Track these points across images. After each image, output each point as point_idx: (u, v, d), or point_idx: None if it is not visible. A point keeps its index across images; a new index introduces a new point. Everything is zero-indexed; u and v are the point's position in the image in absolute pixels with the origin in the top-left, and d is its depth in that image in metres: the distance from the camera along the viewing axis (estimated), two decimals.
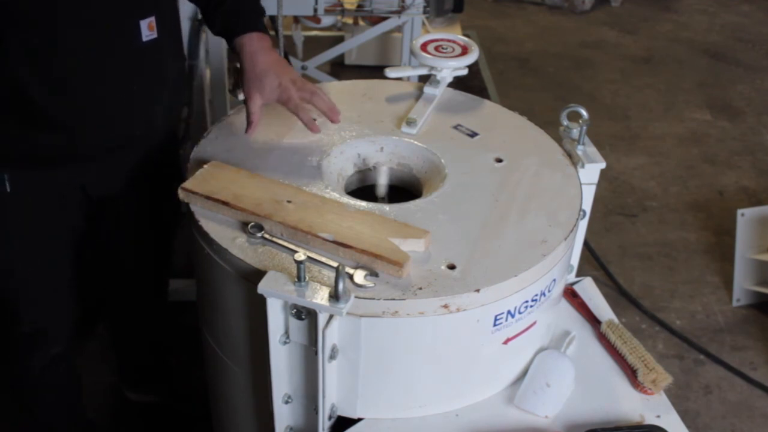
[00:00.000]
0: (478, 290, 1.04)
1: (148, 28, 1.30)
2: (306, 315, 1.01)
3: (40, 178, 1.36)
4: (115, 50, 1.28)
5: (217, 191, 1.15)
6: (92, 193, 1.45)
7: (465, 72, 1.50)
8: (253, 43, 1.32)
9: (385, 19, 2.53)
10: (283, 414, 1.13)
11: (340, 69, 3.57)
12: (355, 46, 3.14)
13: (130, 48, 1.30)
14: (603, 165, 1.30)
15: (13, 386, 1.68)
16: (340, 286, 0.96)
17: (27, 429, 1.83)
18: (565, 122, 1.35)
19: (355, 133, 1.36)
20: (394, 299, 1.02)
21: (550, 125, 1.41)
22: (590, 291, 1.41)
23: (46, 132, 1.29)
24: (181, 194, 1.17)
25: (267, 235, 1.11)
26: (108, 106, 1.31)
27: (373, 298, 1.02)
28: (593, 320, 1.35)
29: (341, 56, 3.45)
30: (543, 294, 1.14)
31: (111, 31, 1.27)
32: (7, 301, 1.50)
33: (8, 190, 1.34)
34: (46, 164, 1.35)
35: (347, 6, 2.44)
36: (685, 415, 1.91)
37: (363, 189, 1.37)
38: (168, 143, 1.53)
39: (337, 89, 1.52)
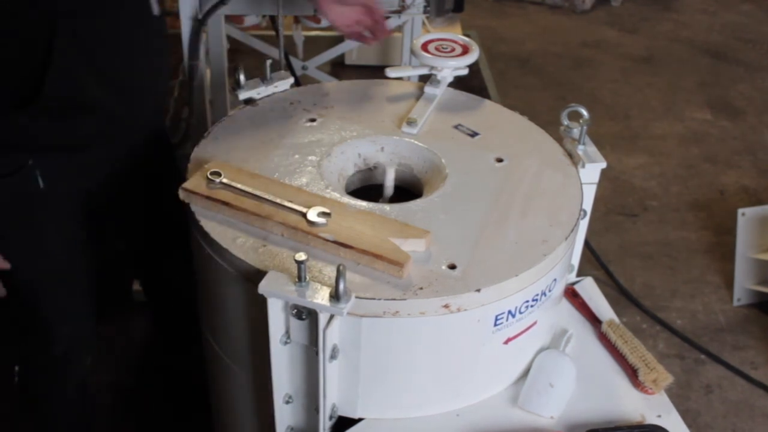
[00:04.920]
0: (478, 290, 1.04)
1: (156, 3, 1.35)
2: (307, 315, 1.01)
3: (70, 167, 1.34)
4: (137, 25, 1.33)
5: (218, 191, 1.15)
6: (115, 170, 1.43)
7: (465, 72, 1.50)
8: None
9: (385, 18, 2.52)
10: (284, 414, 1.13)
11: (340, 69, 3.57)
12: (355, 45, 3.13)
13: (147, 23, 1.35)
14: (604, 165, 1.30)
15: (42, 406, 1.64)
16: (341, 286, 0.96)
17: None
18: (566, 122, 1.35)
19: (355, 133, 1.36)
20: (394, 299, 1.02)
21: (550, 125, 1.41)
22: (591, 291, 1.41)
23: (87, 114, 1.29)
24: (182, 194, 1.17)
25: (226, 180, 1.15)
26: (139, 84, 1.36)
27: (374, 298, 1.02)
28: (594, 320, 1.35)
29: (342, 56, 3.44)
30: (544, 294, 1.14)
31: (135, 7, 1.32)
32: (39, 321, 1.47)
33: (41, 186, 1.32)
34: (82, 146, 1.34)
35: None
36: (685, 415, 1.91)
37: (364, 189, 1.37)
38: (160, 112, 1.59)
39: (337, 89, 1.52)
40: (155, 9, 1.34)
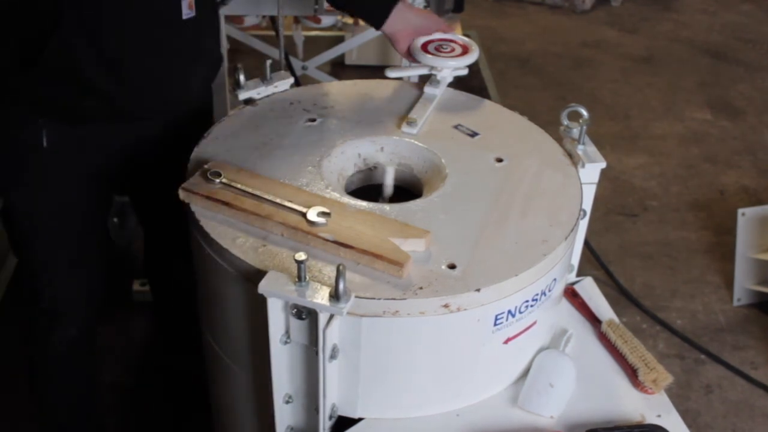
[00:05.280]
0: (478, 290, 1.04)
1: (188, 7, 1.34)
2: (307, 315, 1.01)
3: (76, 135, 1.39)
4: (158, 25, 1.33)
5: (218, 191, 1.15)
6: (124, 153, 1.48)
7: (465, 72, 1.50)
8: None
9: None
10: (284, 414, 1.13)
11: (340, 69, 3.57)
12: (355, 46, 3.14)
13: (171, 24, 1.34)
14: (603, 164, 1.30)
15: (32, 368, 1.70)
16: (341, 285, 0.96)
17: (40, 414, 1.85)
18: (566, 122, 1.35)
19: (355, 133, 1.36)
20: (394, 299, 1.02)
21: (550, 125, 1.41)
22: (591, 291, 1.41)
23: (92, 96, 1.33)
24: (182, 194, 1.17)
25: (225, 180, 1.15)
26: (148, 79, 1.36)
27: (374, 298, 1.02)
28: (594, 320, 1.35)
29: (342, 56, 3.44)
30: (543, 293, 1.14)
31: (155, 7, 1.31)
32: (33, 269, 1.53)
33: (45, 145, 1.38)
34: (84, 122, 1.38)
35: None
36: (685, 415, 1.91)
37: (364, 189, 1.37)
38: (201, 112, 1.58)
39: (337, 89, 1.52)
40: (185, 12, 1.34)
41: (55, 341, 1.61)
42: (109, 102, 1.34)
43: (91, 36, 1.26)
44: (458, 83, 1.52)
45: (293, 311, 1.02)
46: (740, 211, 2.48)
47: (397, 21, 1.45)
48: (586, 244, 2.31)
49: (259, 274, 1.02)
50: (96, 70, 1.29)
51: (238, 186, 1.16)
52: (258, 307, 1.03)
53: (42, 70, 1.29)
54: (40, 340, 1.62)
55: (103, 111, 1.37)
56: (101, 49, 1.28)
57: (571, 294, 1.39)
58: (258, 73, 1.44)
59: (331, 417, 1.12)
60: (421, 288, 1.03)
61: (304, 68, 2.79)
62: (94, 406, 1.82)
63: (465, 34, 1.56)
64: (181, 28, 1.35)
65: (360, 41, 2.93)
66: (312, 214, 1.10)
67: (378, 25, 1.47)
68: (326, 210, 1.11)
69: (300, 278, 0.98)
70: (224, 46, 2.32)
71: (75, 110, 1.35)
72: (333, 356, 1.04)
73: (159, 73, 1.37)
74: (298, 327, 1.03)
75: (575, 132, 1.33)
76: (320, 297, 0.98)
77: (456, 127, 1.40)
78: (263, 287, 0.99)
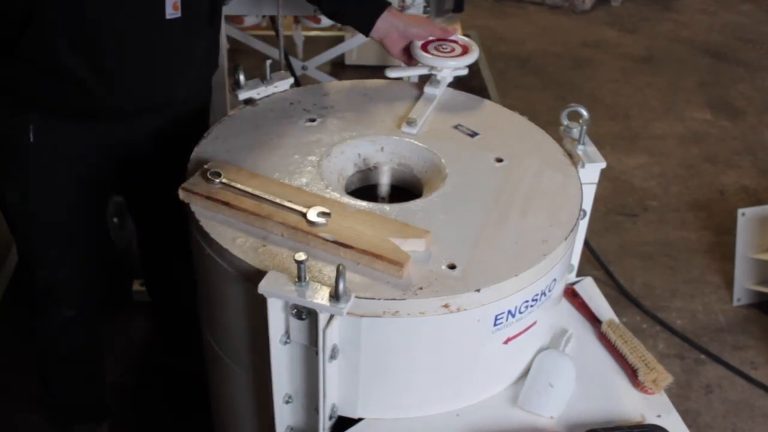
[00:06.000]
0: (478, 290, 1.04)
1: (172, 8, 1.33)
2: (306, 315, 1.01)
3: (64, 131, 1.40)
4: (139, 24, 1.32)
5: (217, 191, 1.15)
6: (116, 152, 1.49)
7: (465, 72, 1.50)
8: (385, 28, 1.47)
9: None
10: (284, 414, 1.13)
11: (340, 69, 3.57)
12: (355, 46, 3.14)
13: (152, 23, 1.33)
14: (603, 165, 1.30)
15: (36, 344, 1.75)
16: (341, 285, 0.96)
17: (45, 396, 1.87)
18: (566, 122, 1.35)
19: (355, 133, 1.36)
20: (394, 299, 1.02)
21: (550, 125, 1.41)
22: (591, 291, 1.41)
23: (72, 89, 1.34)
24: (182, 194, 1.17)
25: (225, 180, 1.15)
26: (129, 75, 1.36)
27: (374, 298, 1.02)
28: (594, 320, 1.35)
29: (342, 56, 3.45)
30: (543, 294, 1.14)
31: (136, 5, 1.31)
32: (26, 253, 1.58)
33: (32, 139, 1.39)
34: (71, 117, 1.39)
35: None
36: (685, 415, 1.91)
37: (364, 189, 1.37)
38: (196, 114, 1.57)
39: (337, 89, 1.52)
40: (168, 13, 1.33)
41: (52, 318, 1.65)
42: (90, 95, 1.34)
43: (67, 27, 1.26)
44: (458, 83, 1.52)
45: (293, 311, 1.02)
46: (740, 211, 2.49)
47: (384, 27, 1.46)
48: (586, 244, 2.31)
49: (259, 274, 1.02)
50: (75, 61, 1.29)
51: (238, 186, 1.16)
52: (258, 307, 1.03)
53: (21, 59, 1.29)
54: (38, 314, 1.66)
55: (88, 106, 1.37)
56: (77, 41, 1.28)
57: (571, 294, 1.39)
58: (258, 73, 1.44)
59: (331, 417, 1.12)
60: (421, 288, 1.03)
61: (304, 68, 2.79)
62: (96, 386, 1.84)
63: (465, 34, 1.56)
64: (164, 28, 1.34)
65: (360, 41, 2.94)
66: (312, 214, 1.10)
67: (365, 32, 1.48)
68: (326, 210, 1.11)
69: (300, 278, 0.98)
70: (224, 46, 2.31)
71: (59, 103, 1.36)
72: (333, 356, 1.04)
73: (140, 71, 1.36)
74: (298, 327, 1.03)
75: (575, 132, 1.33)
76: (320, 297, 0.98)
77: (456, 127, 1.40)
78: (263, 287, 0.99)
